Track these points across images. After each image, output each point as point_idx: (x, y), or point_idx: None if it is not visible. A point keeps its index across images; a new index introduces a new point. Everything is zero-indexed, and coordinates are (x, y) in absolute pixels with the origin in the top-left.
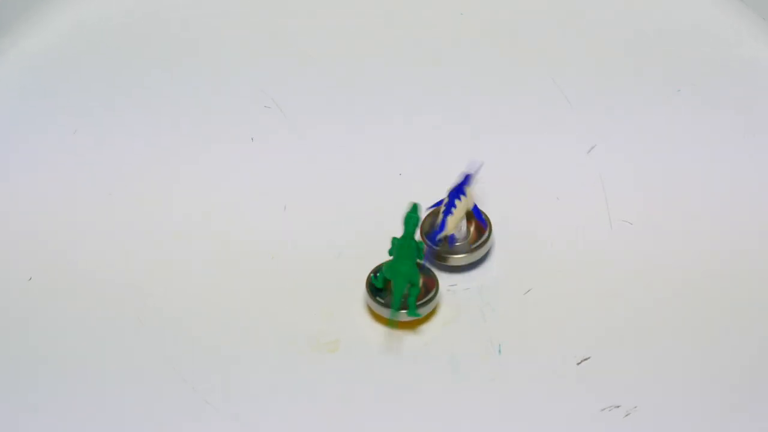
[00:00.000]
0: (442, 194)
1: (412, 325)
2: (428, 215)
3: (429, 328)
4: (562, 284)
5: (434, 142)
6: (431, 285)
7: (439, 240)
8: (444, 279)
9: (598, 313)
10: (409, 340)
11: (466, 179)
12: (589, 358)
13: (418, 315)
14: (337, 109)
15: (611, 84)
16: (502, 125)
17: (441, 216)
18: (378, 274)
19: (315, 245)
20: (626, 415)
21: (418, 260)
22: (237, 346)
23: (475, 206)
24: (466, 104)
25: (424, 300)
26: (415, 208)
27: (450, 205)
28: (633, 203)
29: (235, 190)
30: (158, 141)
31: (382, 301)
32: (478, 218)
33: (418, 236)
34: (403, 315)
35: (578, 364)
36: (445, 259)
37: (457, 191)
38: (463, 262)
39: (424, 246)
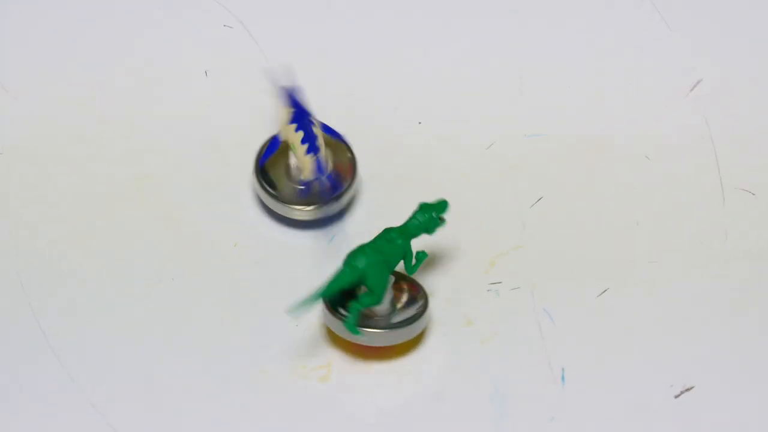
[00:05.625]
0: (467, 156)
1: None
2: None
3: (461, 347)
4: (654, 283)
5: (473, 79)
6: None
7: (324, 184)
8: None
9: (704, 324)
10: (432, 363)
11: (295, 99)
12: (692, 387)
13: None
14: (325, 26)
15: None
16: (571, 56)
17: (310, 160)
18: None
19: (295, 231)
20: None
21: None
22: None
23: (323, 124)
24: (518, 27)
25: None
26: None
27: (312, 141)
28: (754, 164)
29: (182, 153)
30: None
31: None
32: (332, 135)
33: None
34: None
35: (677, 396)
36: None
37: (304, 118)
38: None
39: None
